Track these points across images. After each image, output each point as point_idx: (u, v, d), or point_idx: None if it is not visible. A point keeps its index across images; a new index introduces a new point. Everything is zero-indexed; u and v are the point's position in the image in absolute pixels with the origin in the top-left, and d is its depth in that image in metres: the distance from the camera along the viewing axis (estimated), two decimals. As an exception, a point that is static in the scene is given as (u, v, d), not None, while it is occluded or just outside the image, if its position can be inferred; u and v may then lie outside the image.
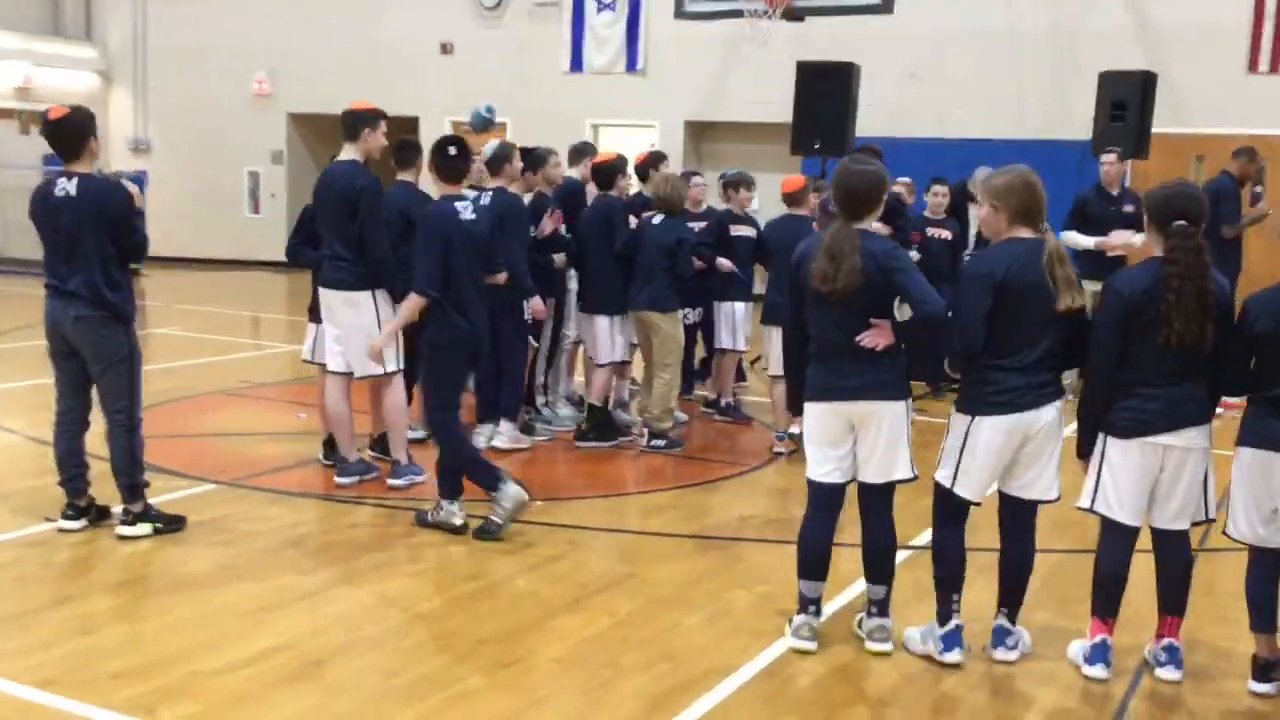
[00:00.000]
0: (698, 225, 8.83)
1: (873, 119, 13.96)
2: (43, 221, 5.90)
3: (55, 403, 6.07)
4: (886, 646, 4.84)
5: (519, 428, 8.20)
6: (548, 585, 5.53)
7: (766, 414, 9.13)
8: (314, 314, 7.23)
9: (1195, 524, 4.69)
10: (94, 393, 5.99)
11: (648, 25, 17.39)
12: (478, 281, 6.32)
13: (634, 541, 6.43)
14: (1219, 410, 4.79)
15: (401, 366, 6.97)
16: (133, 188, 6.06)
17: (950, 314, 4.63)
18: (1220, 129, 14.21)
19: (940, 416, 5.23)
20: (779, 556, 6.16)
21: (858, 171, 4.77)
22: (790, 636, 4.89)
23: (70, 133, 5.85)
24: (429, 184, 6.98)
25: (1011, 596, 4.86)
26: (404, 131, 20.40)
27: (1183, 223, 4.46)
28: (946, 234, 10.46)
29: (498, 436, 8.00)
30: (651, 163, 9.10)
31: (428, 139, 7.58)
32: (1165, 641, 4.71)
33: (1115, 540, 4.68)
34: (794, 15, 13.44)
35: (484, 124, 10.14)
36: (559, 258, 8.26)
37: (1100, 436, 4.65)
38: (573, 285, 8.68)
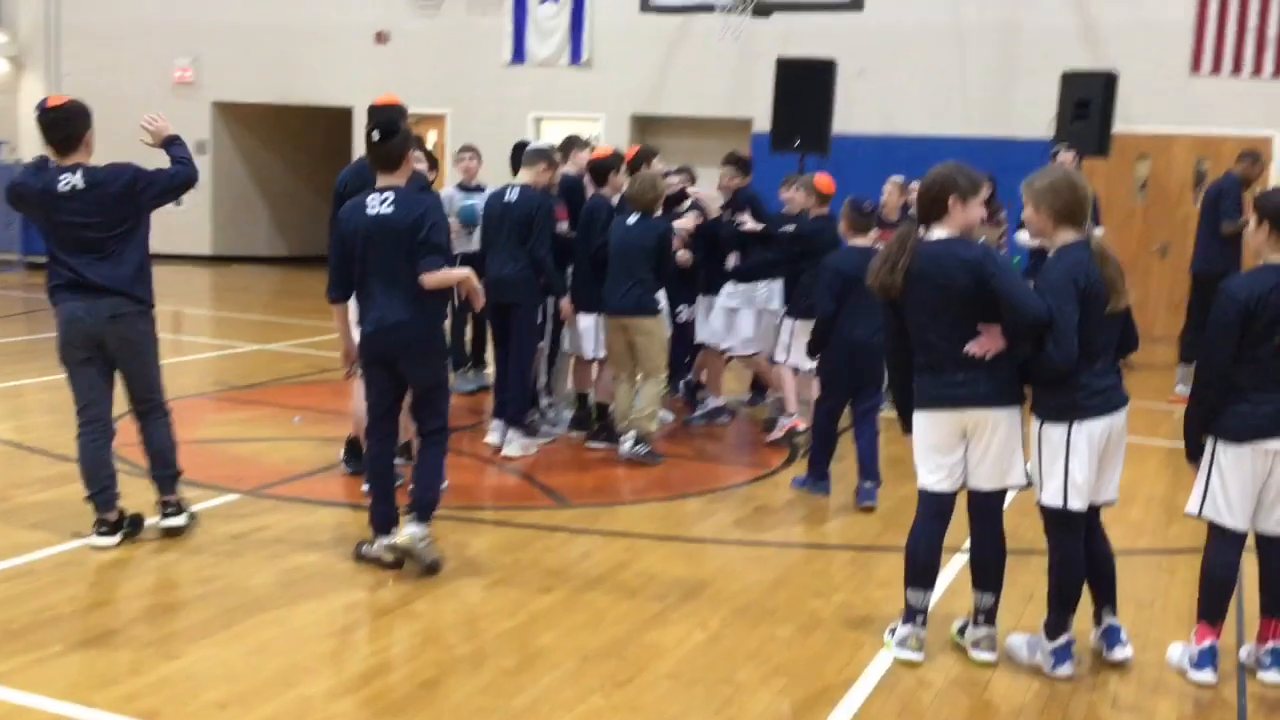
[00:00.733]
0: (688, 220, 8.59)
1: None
2: (50, 220, 5.62)
3: (78, 414, 5.76)
4: (991, 656, 4.80)
5: (525, 432, 8.01)
6: (625, 598, 5.37)
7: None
8: None
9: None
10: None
11: (593, 17, 17.17)
12: (400, 277, 5.42)
13: (695, 550, 6.26)
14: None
15: None
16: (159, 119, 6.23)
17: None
18: (1164, 128, 14.54)
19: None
20: (841, 563, 6.13)
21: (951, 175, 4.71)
22: (895, 647, 4.82)
23: (74, 121, 5.70)
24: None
25: (1109, 595, 4.87)
26: (336, 123, 20.13)
27: (1303, 228, 4.49)
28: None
29: (508, 446, 7.82)
30: (643, 159, 8.94)
31: (360, 132, 7.29)
32: (1270, 645, 4.74)
33: (1225, 546, 4.70)
34: (763, 10, 13.35)
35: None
36: None
37: (1210, 441, 4.66)
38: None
